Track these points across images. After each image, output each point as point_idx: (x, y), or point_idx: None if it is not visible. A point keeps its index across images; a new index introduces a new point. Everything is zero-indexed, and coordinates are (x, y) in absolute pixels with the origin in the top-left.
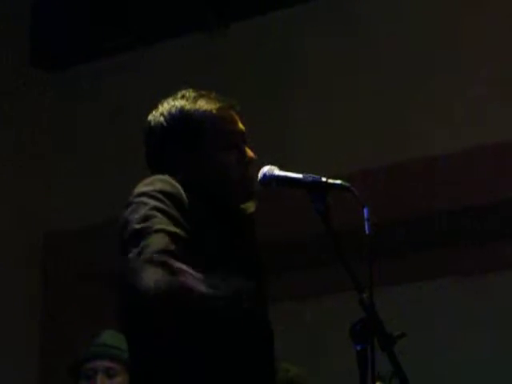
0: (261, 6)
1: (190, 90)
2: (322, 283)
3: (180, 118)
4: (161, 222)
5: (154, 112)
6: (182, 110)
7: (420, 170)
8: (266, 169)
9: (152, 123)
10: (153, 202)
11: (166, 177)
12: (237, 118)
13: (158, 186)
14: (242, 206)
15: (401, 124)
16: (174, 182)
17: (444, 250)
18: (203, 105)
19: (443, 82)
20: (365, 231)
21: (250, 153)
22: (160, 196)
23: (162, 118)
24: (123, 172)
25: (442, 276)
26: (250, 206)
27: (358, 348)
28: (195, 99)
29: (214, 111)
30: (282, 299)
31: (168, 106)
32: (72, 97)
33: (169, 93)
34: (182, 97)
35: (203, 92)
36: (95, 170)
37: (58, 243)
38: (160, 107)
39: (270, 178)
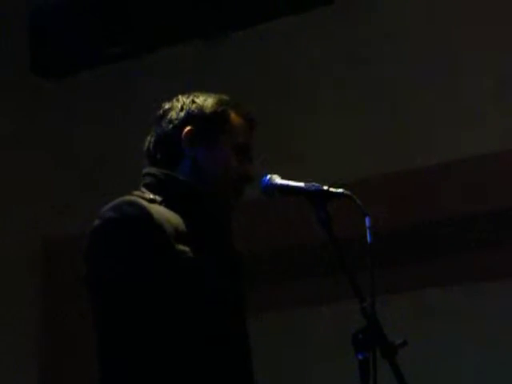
0: (261, 15)
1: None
2: (318, 292)
3: (213, 107)
4: (130, 269)
5: (168, 102)
6: (217, 101)
7: (422, 179)
8: (267, 178)
9: (164, 113)
10: (121, 234)
11: (134, 197)
12: (250, 131)
13: (126, 211)
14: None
15: (403, 133)
16: (141, 201)
17: (445, 258)
18: (236, 107)
19: (445, 90)
20: (366, 240)
21: (254, 172)
22: (127, 225)
23: (194, 99)
24: (123, 176)
25: (444, 284)
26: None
27: (360, 357)
28: (231, 102)
29: (243, 117)
30: (278, 308)
31: (204, 96)
32: (72, 103)
33: (170, 99)
34: (208, 94)
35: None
36: (95, 175)
37: (57, 247)
38: (176, 100)
39: (271, 187)
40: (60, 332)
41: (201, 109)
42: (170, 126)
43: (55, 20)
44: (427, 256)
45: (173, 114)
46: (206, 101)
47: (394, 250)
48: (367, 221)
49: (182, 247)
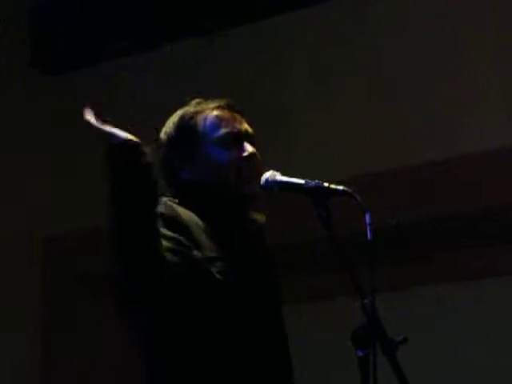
0: (259, 11)
1: (194, 99)
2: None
3: (178, 125)
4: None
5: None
6: (179, 118)
7: (420, 175)
8: (268, 174)
9: (159, 138)
10: None
11: (164, 199)
12: (236, 116)
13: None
14: (251, 215)
15: (400, 129)
16: (169, 202)
17: (444, 254)
18: (199, 108)
19: (443, 88)
20: (366, 236)
21: (249, 148)
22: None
23: (165, 130)
24: None
25: (443, 281)
26: (259, 217)
27: (360, 353)
28: (194, 105)
29: (209, 112)
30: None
31: (171, 118)
32: (71, 100)
33: (167, 96)
34: (183, 106)
35: (204, 99)
36: (95, 172)
37: (57, 246)
38: (156, 142)
39: (272, 184)
40: (59, 329)
41: (170, 136)
42: (161, 168)
43: (55, 16)
44: (426, 253)
45: (159, 156)
46: (171, 124)
47: (394, 246)
48: (367, 217)
49: (208, 245)
